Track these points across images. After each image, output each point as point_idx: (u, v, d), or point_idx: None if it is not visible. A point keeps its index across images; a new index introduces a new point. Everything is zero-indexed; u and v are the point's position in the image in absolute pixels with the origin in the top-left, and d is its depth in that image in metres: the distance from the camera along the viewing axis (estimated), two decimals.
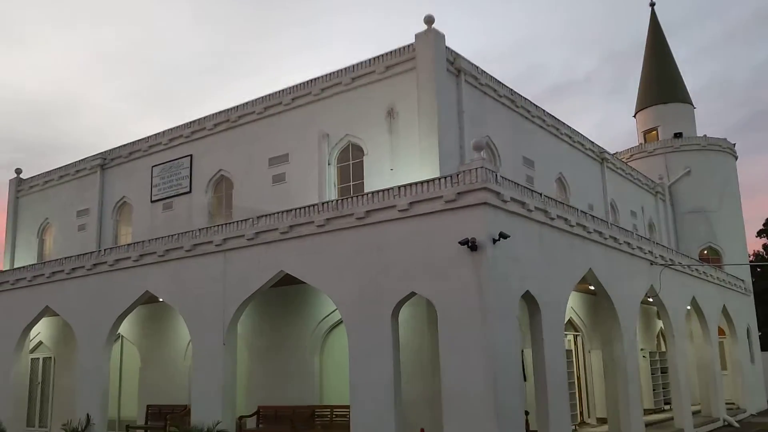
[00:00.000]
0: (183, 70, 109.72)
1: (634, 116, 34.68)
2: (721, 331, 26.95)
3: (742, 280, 28.86)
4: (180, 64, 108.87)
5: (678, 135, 31.86)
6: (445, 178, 12.67)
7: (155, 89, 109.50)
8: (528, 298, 13.42)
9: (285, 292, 16.95)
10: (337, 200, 14.22)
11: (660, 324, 25.29)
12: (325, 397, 16.60)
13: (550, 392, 13.30)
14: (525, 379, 14.33)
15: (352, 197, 13.97)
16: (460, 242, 12.06)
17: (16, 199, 27.57)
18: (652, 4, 35.40)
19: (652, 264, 19.01)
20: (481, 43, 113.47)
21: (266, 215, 15.18)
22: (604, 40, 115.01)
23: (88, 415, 17.73)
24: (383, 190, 13.48)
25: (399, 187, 13.27)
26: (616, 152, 33.13)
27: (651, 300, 20.23)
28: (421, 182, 12.98)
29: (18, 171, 27.96)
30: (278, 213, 14.97)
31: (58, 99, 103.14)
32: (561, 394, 13.72)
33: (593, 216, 16.28)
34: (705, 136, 31.57)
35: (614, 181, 25.89)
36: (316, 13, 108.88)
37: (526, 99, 20.20)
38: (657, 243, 20.33)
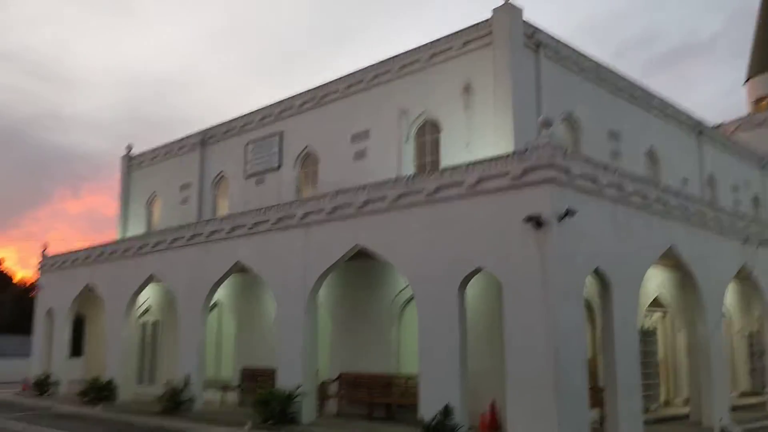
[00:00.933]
0: (291, 41, 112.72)
1: (744, 84, 32.63)
2: None
3: None
4: (287, 36, 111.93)
5: None
6: (512, 155, 12.74)
7: (265, 61, 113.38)
8: (598, 276, 13.31)
9: (367, 265, 17.52)
10: (408, 177, 14.59)
11: None
12: (402, 367, 17.15)
13: (619, 371, 13.21)
14: None
15: (422, 174, 14.29)
16: (525, 219, 12.15)
17: (127, 174, 29.76)
18: None
19: (745, 242, 18.15)
20: (594, 4, 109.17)
21: (343, 191, 15.78)
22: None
23: (187, 375, 19.21)
24: (452, 168, 13.72)
25: (467, 165, 13.46)
26: (722, 123, 31.42)
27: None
28: (489, 159, 13.11)
29: (129, 148, 30.12)
30: (354, 189, 15.53)
31: (173, 75, 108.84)
32: (632, 374, 13.58)
33: (676, 192, 15.76)
34: None
35: (713, 154, 24.64)
36: None
37: (612, 72, 19.60)
38: (753, 219, 19.29)
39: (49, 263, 27.12)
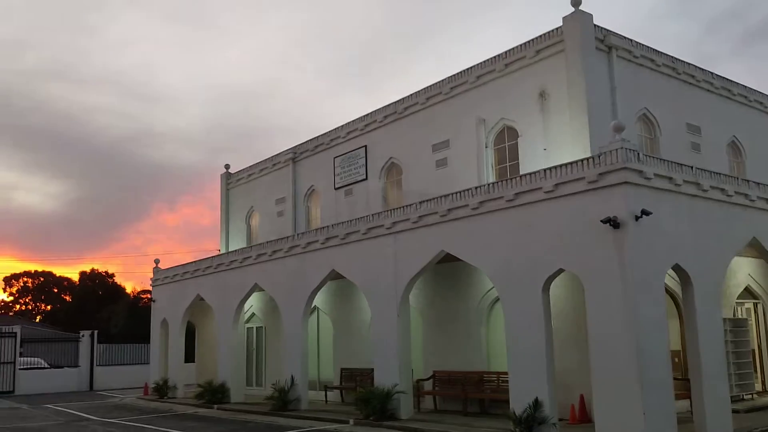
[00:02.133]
0: (370, 48, 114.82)
1: None
2: None
3: None
4: (367, 43, 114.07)
5: None
6: (587, 159, 13.37)
7: (344, 66, 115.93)
8: (678, 271, 13.74)
9: (455, 268, 18.43)
10: (488, 184, 15.44)
11: None
12: (492, 364, 17.98)
13: (704, 363, 13.57)
14: None
15: (501, 181, 15.11)
16: (602, 220, 12.77)
17: (227, 191, 31.92)
18: None
19: None
20: None
21: (428, 200, 16.80)
22: None
23: (292, 376, 20.75)
24: (530, 174, 14.46)
25: (544, 170, 14.17)
26: None
27: None
28: (565, 164, 13.78)
29: (227, 167, 32.28)
30: (438, 198, 16.52)
31: (256, 85, 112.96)
32: (717, 364, 13.89)
33: (758, 183, 15.87)
34: None
35: None
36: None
37: (689, 64, 19.72)
38: None
39: (162, 276, 29.50)
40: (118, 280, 69.47)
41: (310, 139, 26.90)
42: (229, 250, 30.87)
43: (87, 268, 69.65)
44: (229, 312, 24.31)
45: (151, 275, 30.16)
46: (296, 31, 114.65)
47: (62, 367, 35.07)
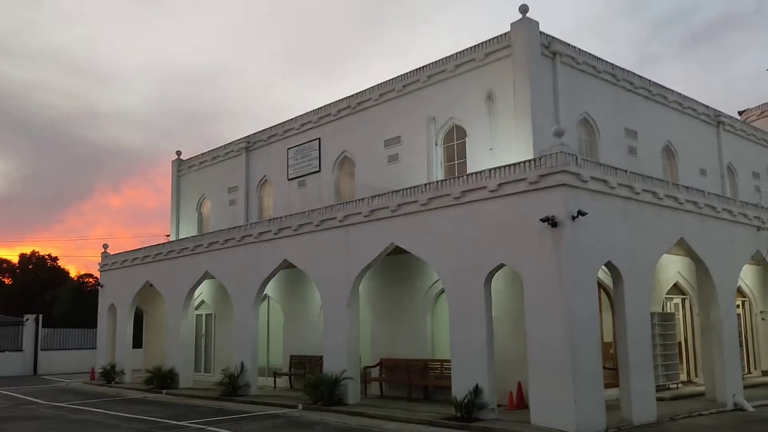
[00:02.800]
0: (325, 29, 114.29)
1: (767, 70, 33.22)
2: None
3: None
4: (321, 24, 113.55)
5: None
6: (529, 161, 14.21)
7: (302, 49, 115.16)
8: (611, 268, 14.75)
9: (403, 260, 19.11)
10: (437, 182, 16.18)
11: None
12: (436, 352, 18.80)
13: (631, 352, 14.64)
14: None
15: (449, 179, 15.87)
16: (541, 219, 13.64)
17: (178, 177, 31.91)
18: None
19: (759, 229, 19.30)
20: None
21: (379, 195, 17.44)
22: None
23: (242, 362, 21.19)
24: (476, 173, 15.25)
25: (489, 170, 14.97)
26: (746, 109, 32.18)
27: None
28: (508, 165, 14.61)
29: (179, 153, 32.24)
30: (389, 193, 17.18)
31: (208, 68, 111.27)
32: (644, 355, 14.98)
33: (686, 187, 17.04)
34: None
35: (732, 143, 25.58)
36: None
37: (628, 71, 20.84)
38: (766, 208, 20.37)
39: (110, 262, 29.41)
40: (61, 263, 68.03)
41: (264, 129, 27.18)
42: (180, 236, 30.93)
43: (27, 251, 67.97)
44: (179, 299, 24.53)
45: (94, 258, 30.07)
46: (253, 15, 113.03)
47: (4, 351, 34.56)
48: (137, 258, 27.38)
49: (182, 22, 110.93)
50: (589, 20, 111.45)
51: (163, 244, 26.49)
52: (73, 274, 65.19)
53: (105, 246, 30.21)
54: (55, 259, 68.09)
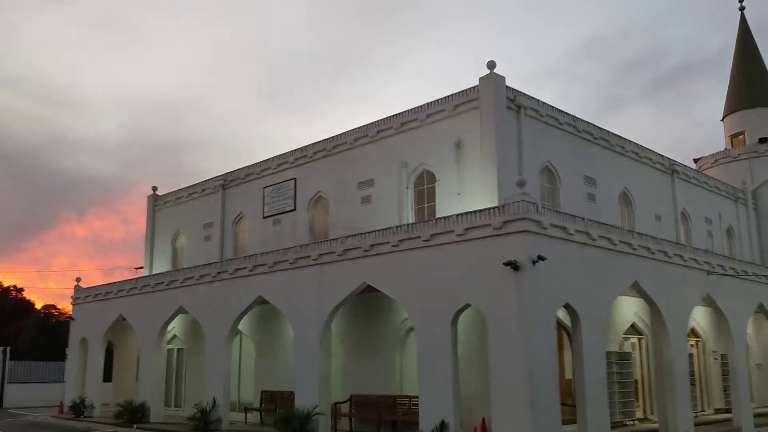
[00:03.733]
0: (297, 65, 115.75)
1: (722, 120, 35.17)
2: None
3: None
4: (293, 60, 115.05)
5: (763, 140, 32.26)
6: (494, 209, 15.24)
7: (274, 84, 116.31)
8: (569, 309, 15.74)
9: (374, 298, 19.82)
10: (408, 225, 17.14)
11: None
12: (405, 388, 19.48)
13: (588, 389, 15.57)
14: None
15: (419, 222, 16.83)
16: (504, 263, 14.61)
17: (153, 212, 32.40)
18: (742, 9, 35.67)
19: (708, 273, 20.53)
20: (599, 21, 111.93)
21: (352, 236, 18.30)
22: (746, 5, 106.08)
23: (214, 397, 21.60)
24: (445, 218, 16.23)
25: (457, 215, 15.97)
26: (702, 156, 33.95)
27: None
28: (474, 212, 15.62)
29: (154, 188, 32.80)
30: (362, 234, 18.06)
31: (179, 98, 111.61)
32: (600, 392, 15.92)
33: (641, 233, 18.25)
34: None
35: (686, 190, 27.10)
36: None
37: (588, 123, 22.21)
38: (716, 253, 21.70)
39: (83, 295, 29.62)
40: (26, 293, 67.09)
41: (241, 168, 27.98)
42: (154, 271, 31.33)
43: None
44: (152, 333, 24.86)
45: (57, 289, 30.26)
46: (224, 46, 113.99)
47: None
48: (111, 292, 27.67)
49: (156, 53, 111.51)
50: (557, 61, 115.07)
51: (137, 278, 26.90)
52: (38, 305, 64.39)
53: (78, 279, 30.44)
54: (21, 290, 67.25)
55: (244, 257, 21.83)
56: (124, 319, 26.92)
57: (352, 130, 23.16)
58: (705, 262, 20.47)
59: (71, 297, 30.42)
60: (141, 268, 45.26)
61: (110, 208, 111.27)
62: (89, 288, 29.40)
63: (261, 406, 23.16)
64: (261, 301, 21.32)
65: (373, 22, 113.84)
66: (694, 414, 22.17)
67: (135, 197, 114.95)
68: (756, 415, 23.63)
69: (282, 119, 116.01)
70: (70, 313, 30.56)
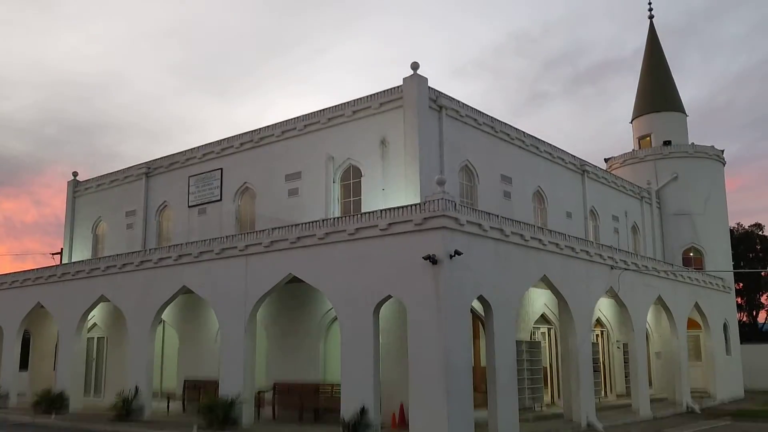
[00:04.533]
0: (223, 47, 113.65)
1: (631, 123, 37.31)
2: (697, 325, 29.90)
3: (722, 279, 31.54)
4: (219, 42, 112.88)
5: (667, 143, 34.49)
6: (415, 206, 16.05)
7: (194, 65, 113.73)
8: (482, 301, 16.78)
9: (298, 288, 20.40)
10: (334, 218, 17.75)
11: None
12: (328, 376, 20.17)
13: (499, 376, 16.65)
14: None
15: (345, 216, 17.47)
16: (423, 257, 15.45)
17: (73, 198, 31.74)
18: (651, 17, 37.86)
19: (612, 268, 22.09)
20: (523, 17, 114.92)
21: (279, 228, 18.76)
22: (655, 14, 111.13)
23: (136, 386, 21.65)
24: (369, 213, 16.94)
25: (381, 211, 16.70)
26: (612, 157, 35.98)
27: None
28: (397, 208, 16.39)
29: (75, 174, 32.11)
30: (289, 226, 18.55)
31: (99, 77, 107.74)
32: (509, 379, 17.04)
33: (551, 230, 19.50)
34: (692, 144, 34.16)
35: (595, 189, 28.84)
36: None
37: (505, 124, 23.38)
38: (619, 249, 23.32)
39: None
40: None
41: (165, 156, 27.83)
42: (73, 258, 30.78)
43: None
44: (72, 321, 24.56)
45: None
46: (146, 24, 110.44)
47: None
48: (28, 279, 27.06)
49: (72, 28, 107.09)
50: (482, 55, 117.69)
51: (56, 266, 26.42)
52: None
53: None
54: None
55: (169, 246, 21.92)
56: (42, 306, 26.44)
57: (280, 122, 23.52)
58: (609, 257, 22.01)
59: None
60: (58, 254, 44.16)
61: (22, 189, 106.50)
62: (5, 275, 28.60)
63: (184, 394, 23.35)
64: (185, 291, 21.50)
65: (301, 7, 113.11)
66: (598, 399, 23.86)
67: (49, 178, 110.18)
68: (655, 400, 25.70)
69: (202, 101, 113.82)
70: None
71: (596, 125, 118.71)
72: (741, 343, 34.09)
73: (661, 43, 37.53)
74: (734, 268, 45.95)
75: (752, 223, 51.09)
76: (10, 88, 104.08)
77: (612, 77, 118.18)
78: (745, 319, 51.33)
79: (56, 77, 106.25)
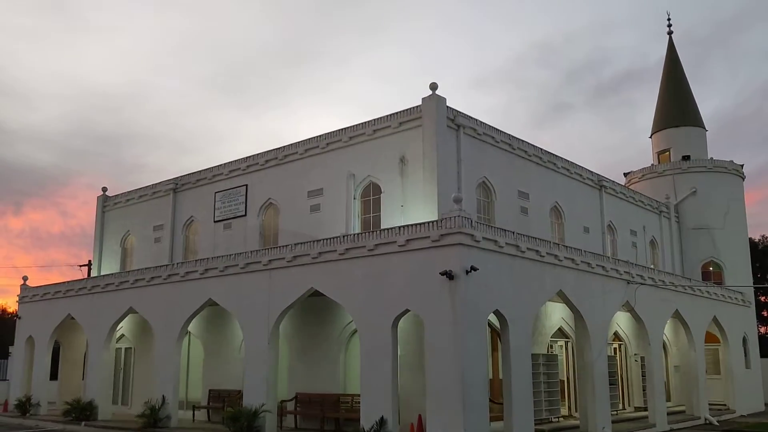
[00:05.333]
0: (249, 58, 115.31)
1: (650, 137, 37.57)
2: (716, 339, 30.01)
3: (741, 293, 31.61)
4: (245, 53, 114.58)
5: (686, 157, 34.71)
6: (432, 222, 16.62)
7: (221, 78, 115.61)
8: (498, 315, 17.26)
9: (319, 302, 21.02)
10: (354, 234, 18.37)
11: None
12: (348, 387, 20.73)
13: (515, 388, 17.09)
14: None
15: (365, 233, 18.08)
16: (440, 273, 15.99)
17: (102, 213, 32.79)
18: (670, 33, 38.17)
19: (629, 283, 22.42)
20: (547, 26, 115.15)
21: (301, 243, 19.43)
22: (681, 24, 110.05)
23: (163, 396, 22.39)
24: (388, 229, 17.53)
25: (399, 227, 17.29)
26: (630, 171, 36.26)
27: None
28: (415, 224, 16.97)
29: (104, 189, 33.16)
30: (310, 242, 19.21)
31: (126, 89, 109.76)
32: (525, 391, 17.47)
33: (566, 246, 19.93)
34: (711, 158, 34.37)
35: (613, 204, 29.18)
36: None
37: (523, 141, 23.90)
38: (636, 264, 23.63)
39: (30, 294, 29.83)
40: None
41: (192, 173, 28.74)
42: (102, 270, 31.76)
43: None
44: (101, 332, 25.41)
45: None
46: (172, 37, 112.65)
47: None
48: (59, 291, 28.03)
49: (101, 41, 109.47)
50: (505, 65, 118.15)
51: (86, 279, 27.36)
52: None
53: (25, 278, 30.61)
54: None
55: (196, 261, 22.68)
56: (72, 318, 27.35)
57: (303, 141, 24.29)
58: (625, 272, 22.35)
59: (17, 296, 30.56)
60: (85, 266, 45.38)
61: (49, 201, 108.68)
62: (37, 287, 29.62)
63: (209, 404, 24.04)
64: (211, 304, 22.22)
65: (325, 17, 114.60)
66: (615, 411, 24.17)
67: (75, 189, 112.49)
68: (673, 413, 25.89)
69: (227, 112, 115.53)
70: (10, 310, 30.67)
71: (620, 136, 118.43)
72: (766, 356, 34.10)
73: (680, 57, 37.83)
74: (760, 280, 45.96)
75: None
76: (37, 101, 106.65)
77: (636, 87, 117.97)
78: None
79: (83, 89, 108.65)
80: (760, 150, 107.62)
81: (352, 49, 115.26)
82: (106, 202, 32.88)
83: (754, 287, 35.24)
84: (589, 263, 20.50)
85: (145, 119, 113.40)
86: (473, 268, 15.96)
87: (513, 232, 17.75)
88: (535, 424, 18.59)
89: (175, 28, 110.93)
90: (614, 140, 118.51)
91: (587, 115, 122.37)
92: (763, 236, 50.67)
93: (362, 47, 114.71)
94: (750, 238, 46.44)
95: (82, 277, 29.26)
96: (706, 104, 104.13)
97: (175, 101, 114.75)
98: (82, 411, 24.58)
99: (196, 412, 24.27)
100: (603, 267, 21.22)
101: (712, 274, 33.04)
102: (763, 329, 52.59)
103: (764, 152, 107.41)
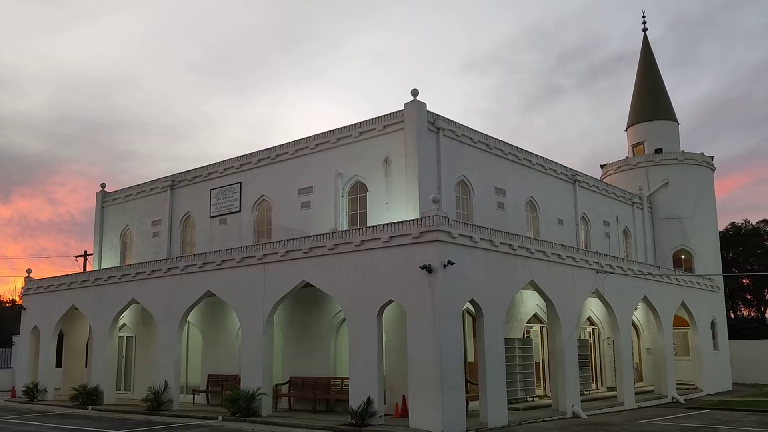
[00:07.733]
0: (239, 43, 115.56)
1: (626, 131, 39.25)
2: (686, 323, 31.93)
3: (710, 279, 33.49)
4: (235, 38, 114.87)
5: (658, 150, 36.44)
6: (413, 221, 18.24)
7: (212, 62, 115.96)
8: (474, 304, 18.95)
9: (311, 293, 22.61)
10: (342, 231, 19.99)
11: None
12: (338, 371, 22.42)
13: (488, 370, 18.82)
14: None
15: (352, 229, 19.70)
16: (420, 267, 17.64)
17: (102, 208, 34.20)
18: (645, 30, 39.77)
19: (598, 272, 24.17)
20: (537, 12, 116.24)
21: (293, 239, 21.02)
22: (671, 6, 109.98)
23: (165, 381, 24.00)
24: (373, 226, 19.15)
25: (383, 225, 18.89)
26: (606, 163, 37.98)
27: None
28: (397, 222, 18.59)
29: (103, 185, 34.55)
30: (302, 238, 20.80)
31: (116, 75, 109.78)
32: (499, 373, 19.20)
33: (537, 239, 21.63)
34: (683, 151, 36.12)
35: (586, 197, 30.89)
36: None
37: (499, 141, 25.53)
38: (605, 254, 25.37)
39: (34, 286, 31.29)
40: None
41: (188, 170, 30.20)
42: (102, 264, 33.25)
43: None
44: (105, 322, 26.95)
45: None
46: (161, 22, 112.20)
47: None
48: (63, 284, 29.51)
49: (86, 25, 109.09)
50: (496, 48, 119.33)
51: (90, 271, 28.85)
52: None
53: (28, 271, 32.04)
54: None
55: (194, 255, 24.22)
56: (76, 309, 28.85)
57: (294, 141, 25.82)
58: (595, 262, 24.10)
59: (22, 288, 32.02)
60: (81, 256, 46.81)
61: (37, 188, 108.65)
62: (41, 280, 31.08)
63: (208, 388, 25.70)
64: (209, 295, 23.79)
65: (314, 1, 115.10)
66: (588, 391, 26.05)
67: (64, 177, 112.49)
68: (642, 392, 27.83)
69: (218, 98, 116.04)
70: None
71: (611, 119, 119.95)
72: (749, 338, 36.10)
73: (654, 54, 39.44)
74: (741, 265, 48.09)
75: (760, 219, 52.59)
76: (26, 87, 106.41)
77: (627, 70, 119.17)
78: (754, 314, 52.99)
79: (72, 75, 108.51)
80: (753, 130, 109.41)
81: (342, 34, 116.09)
82: (105, 198, 34.29)
83: (723, 275, 37.07)
84: (559, 255, 22.21)
85: (135, 105, 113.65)
86: (450, 262, 17.60)
87: (488, 228, 19.40)
88: (511, 403, 20.42)
89: (164, 13, 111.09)
90: (605, 123, 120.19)
91: (578, 97, 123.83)
92: (746, 220, 52.52)
93: (352, 32, 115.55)
94: (733, 222, 48.34)
95: (78, 270, 30.69)
96: (697, 86, 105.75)
97: (165, 87, 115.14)
98: (88, 396, 26.17)
99: (196, 396, 25.94)
100: (573, 258, 22.93)
101: (683, 262, 34.90)
102: (746, 312, 54.69)
103: (755, 133, 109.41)
